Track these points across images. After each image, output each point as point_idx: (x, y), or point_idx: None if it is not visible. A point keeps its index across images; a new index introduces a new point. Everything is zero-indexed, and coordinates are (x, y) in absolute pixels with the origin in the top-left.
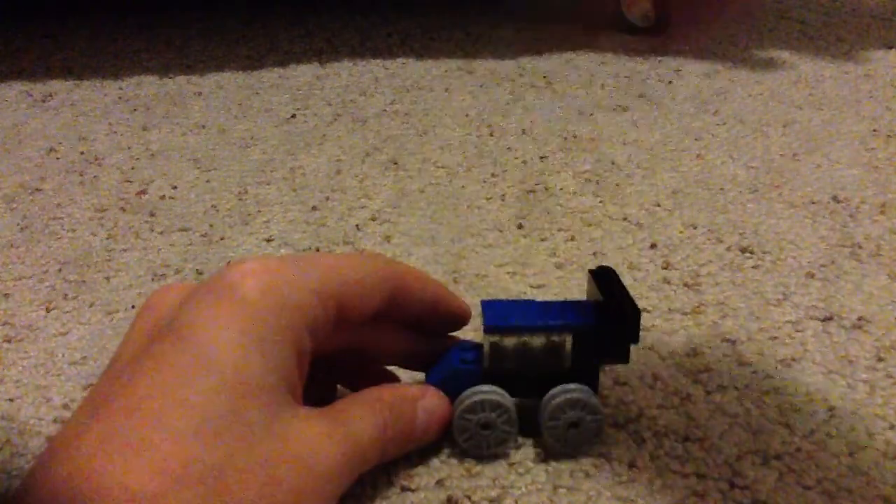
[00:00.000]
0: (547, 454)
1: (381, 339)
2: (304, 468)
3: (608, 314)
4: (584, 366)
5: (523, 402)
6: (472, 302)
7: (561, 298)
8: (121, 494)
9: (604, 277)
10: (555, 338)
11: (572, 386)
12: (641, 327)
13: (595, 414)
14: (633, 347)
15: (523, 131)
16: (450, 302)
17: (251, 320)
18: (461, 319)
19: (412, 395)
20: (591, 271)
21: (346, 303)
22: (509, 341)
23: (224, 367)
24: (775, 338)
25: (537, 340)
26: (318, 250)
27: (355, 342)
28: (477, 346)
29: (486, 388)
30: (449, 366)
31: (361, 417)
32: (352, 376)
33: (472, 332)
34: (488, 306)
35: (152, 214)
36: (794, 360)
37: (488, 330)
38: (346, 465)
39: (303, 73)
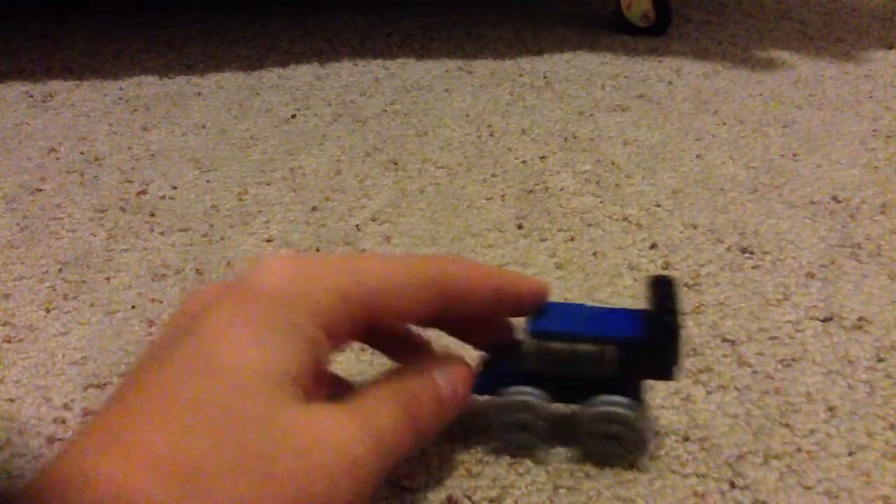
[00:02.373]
0: (547, 454)
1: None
2: (314, 461)
3: (653, 330)
4: (628, 377)
5: (564, 406)
6: None
7: (562, 298)
8: (109, 488)
9: (660, 287)
10: (599, 346)
11: (613, 397)
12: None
13: (633, 427)
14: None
15: (523, 131)
16: (518, 287)
17: (261, 317)
18: (536, 299)
19: (427, 365)
20: (649, 278)
21: (378, 306)
22: (554, 345)
23: (223, 363)
24: (775, 338)
25: (582, 347)
26: (318, 250)
27: (402, 334)
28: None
29: (526, 388)
30: (494, 363)
31: (377, 404)
32: (385, 344)
33: None
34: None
35: (152, 214)
36: (794, 360)
37: (532, 333)
38: (369, 455)
39: (303, 73)
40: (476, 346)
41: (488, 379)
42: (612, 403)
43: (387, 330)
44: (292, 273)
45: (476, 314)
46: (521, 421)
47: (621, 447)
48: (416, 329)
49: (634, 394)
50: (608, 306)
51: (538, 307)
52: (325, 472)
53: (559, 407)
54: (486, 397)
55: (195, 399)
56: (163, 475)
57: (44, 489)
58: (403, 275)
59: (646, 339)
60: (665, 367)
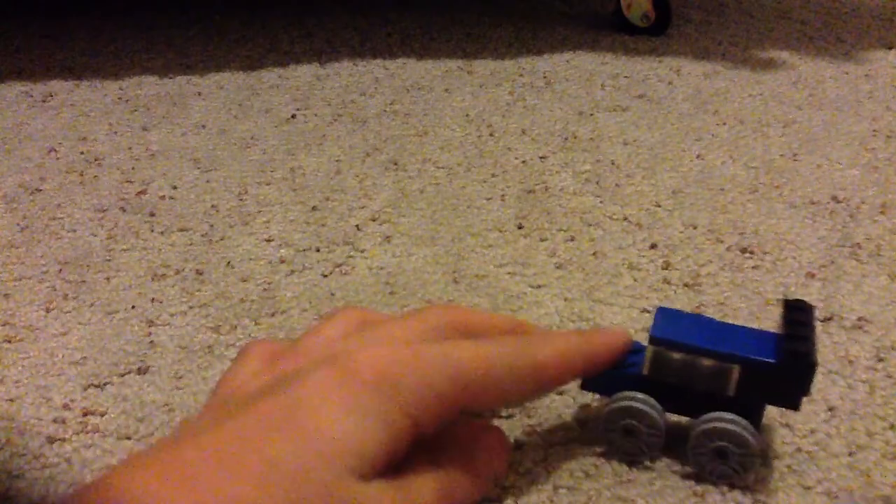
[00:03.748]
0: (547, 454)
1: None
2: None
3: (787, 356)
4: (749, 399)
5: (678, 418)
6: (477, 301)
7: (563, 298)
8: None
9: (796, 311)
10: (722, 364)
11: (728, 415)
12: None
13: (744, 448)
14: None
15: (523, 131)
16: (604, 346)
17: (354, 395)
18: (621, 353)
19: (467, 438)
20: (784, 301)
21: (471, 402)
22: (675, 355)
23: (309, 428)
24: None
25: (705, 361)
26: (318, 250)
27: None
28: (642, 350)
29: (639, 395)
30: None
31: (421, 482)
32: None
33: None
34: (663, 314)
35: (152, 214)
36: None
37: (653, 340)
38: None
39: (303, 73)
40: None
41: (604, 379)
42: (726, 420)
43: None
44: (397, 365)
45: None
46: (630, 427)
47: (730, 466)
48: None
49: (752, 415)
50: (735, 323)
51: (666, 314)
52: None
53: (672, 418)
54: (600, 397)
55: (275, 456)
56: None
57: (95, 498)
58: (500, 368)
59: (777, 364)
60: (792, 396)
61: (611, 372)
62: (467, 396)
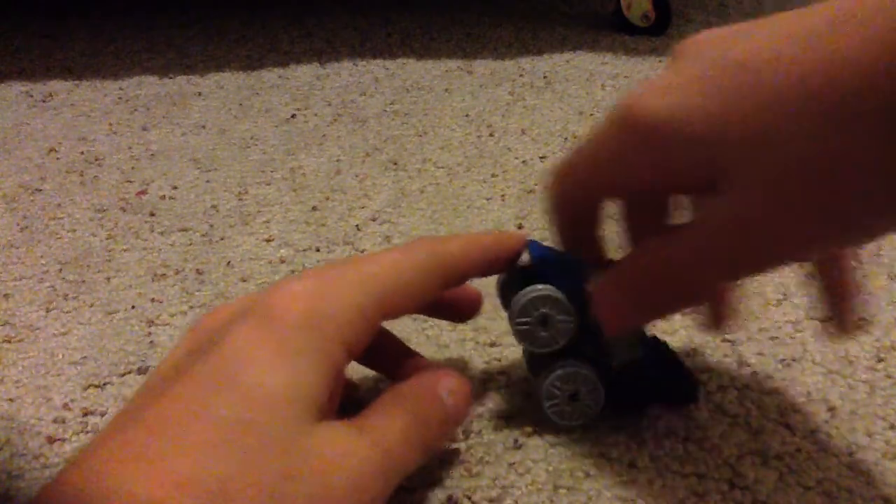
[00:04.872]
0: (547, 454)
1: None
2: (325, 484)
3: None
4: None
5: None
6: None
7: None
8: (125, 500)
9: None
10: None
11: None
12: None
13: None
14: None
15: (523, 131)
16: (502, 242)
17: (285, 341)
18: (519, 249)
19: (430, 381)
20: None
21: (393, 308)
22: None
23: (247, 383)
24: (775, 338)
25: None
26: (318, 250)
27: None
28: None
29: (547, 286)
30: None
31: (386, 421)
32: (377, 360)
33: None
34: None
35: (152, 214)
36: (794, 360)
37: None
38: (376, 473)
39: (303, 73)
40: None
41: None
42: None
43: (389, 353)
44: (313, 297)
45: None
46: (544, 317)
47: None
48: (413, 350)
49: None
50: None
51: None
52: (339, 493)
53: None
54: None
55: (220, 417)
56: (180, 490)
57: (54, 497)
58: (410, 269)
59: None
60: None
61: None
62: (386, 305)
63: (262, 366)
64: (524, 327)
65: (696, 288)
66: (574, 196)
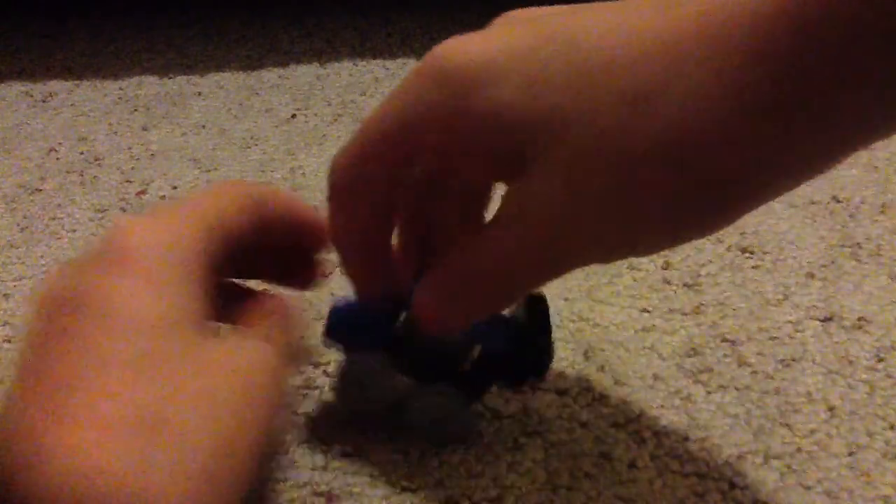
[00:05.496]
0: (547, 454)
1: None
2: (239, 388)
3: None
4: (480, 375)
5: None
6: None
7: (563, 298)
8: (60, 450)
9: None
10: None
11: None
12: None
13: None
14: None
15: None
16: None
17: (151, 274)
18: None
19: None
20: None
21: (227, 232)
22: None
23: (134, 316)
24: (775, 338)
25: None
26: None
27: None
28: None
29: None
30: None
31: (266, 323)
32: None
33: None
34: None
35: None
36: (794, 360)
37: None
38: (274, 366)
39: (303, 73)
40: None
41: (348, 330)
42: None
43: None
44: (155, 231)
45: (284, 236)
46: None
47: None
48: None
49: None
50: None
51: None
52: (253, 391)
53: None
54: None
55: (123, 358)
56: (113, 427)
57: None
58: (228, 198)
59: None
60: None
61: (359, 323)
62: (226, 227)
63: (142, 301)
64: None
65: (511, 290)
66: (361, 174)
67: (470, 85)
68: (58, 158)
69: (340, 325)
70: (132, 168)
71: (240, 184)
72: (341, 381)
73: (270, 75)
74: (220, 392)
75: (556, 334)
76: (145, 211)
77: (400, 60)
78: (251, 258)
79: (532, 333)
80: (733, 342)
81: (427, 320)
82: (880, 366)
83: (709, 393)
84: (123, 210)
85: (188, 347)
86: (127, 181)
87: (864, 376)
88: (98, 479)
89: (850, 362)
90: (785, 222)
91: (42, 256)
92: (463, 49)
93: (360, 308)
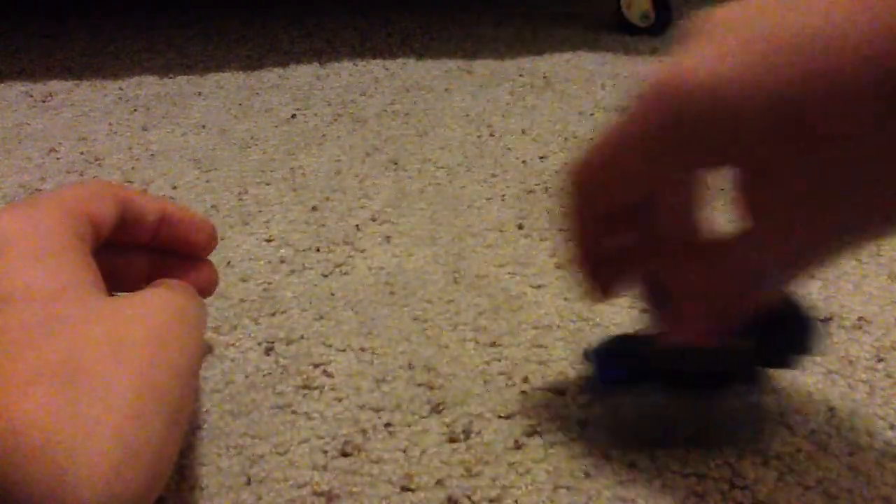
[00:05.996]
0: (547, 454)
1: (120, 264)
2: (150, 329)
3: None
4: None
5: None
6: (477, 301)
7: (563, 298)
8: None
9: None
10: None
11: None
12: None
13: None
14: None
15: (523, 131)
16: (183, 220)
17: (37, 251)
18: (209, 237)
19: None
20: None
21: (92, 216)
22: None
23: (28, 289)
24: None
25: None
26: (318, 250)
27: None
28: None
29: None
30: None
31: (169, 278)
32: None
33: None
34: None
35: None
36: None
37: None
38: (183, 308)
39: (303, 73)
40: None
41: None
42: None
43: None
44: (31, 216)
45: (149, 236)
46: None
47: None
48: None
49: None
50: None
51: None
52: (164, 330)
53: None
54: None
55: (24, 320)
56: (38, 389)
57: None
58: (89, 192)
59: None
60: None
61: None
62: (91, 216)
63: (31, 276)
64: None
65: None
66: (598, 199)
67: (714, 110)
68: (58, 158)
69: (610, 366)
70: (132, 168)
71: (102, 180)
72: (637, 423)
73: (270, 75)
74: (130, 335)
75: (556, 334)
76: (4, 205)
77: (400, 60)
78: (140, 257)
79: (790, 311)
80: None
81: (690, 333)
82: (880, 366)
83: None
84: None
85: (90, 304)
86: (127, 181)
87: (863, 376)
88: (26, 434)
89: (850, 362)
90: None
91: None
92: (696, 77)
93: (619, 344)
